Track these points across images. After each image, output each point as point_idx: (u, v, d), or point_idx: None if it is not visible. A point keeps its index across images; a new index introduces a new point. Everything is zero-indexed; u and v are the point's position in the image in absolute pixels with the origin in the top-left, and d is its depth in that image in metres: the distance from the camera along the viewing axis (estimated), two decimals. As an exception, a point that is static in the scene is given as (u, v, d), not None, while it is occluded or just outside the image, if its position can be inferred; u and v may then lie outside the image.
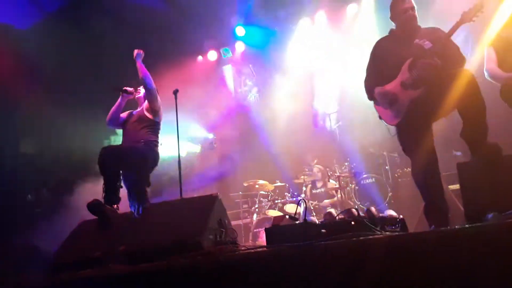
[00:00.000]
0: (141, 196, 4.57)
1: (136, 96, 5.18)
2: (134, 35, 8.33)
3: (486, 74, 4.53)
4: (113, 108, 5.06)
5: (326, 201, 7.63)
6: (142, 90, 5.14)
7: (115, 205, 4.34)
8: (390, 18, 4.04)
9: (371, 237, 2.68)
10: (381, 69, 3.95)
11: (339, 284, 2.40)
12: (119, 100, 5.07)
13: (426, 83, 3.60)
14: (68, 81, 7.59)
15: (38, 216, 6.90)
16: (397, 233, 3.13)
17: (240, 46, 10.30)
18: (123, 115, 5.12)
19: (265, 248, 3.22)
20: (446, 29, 3.67)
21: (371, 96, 4.03)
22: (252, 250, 3.35)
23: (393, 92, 3.76)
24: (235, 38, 10.14)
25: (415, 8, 3.87)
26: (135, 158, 4.63)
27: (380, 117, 4.00)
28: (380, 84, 3.88)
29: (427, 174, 3.65)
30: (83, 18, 8.05)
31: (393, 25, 4.06)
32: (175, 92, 5.07)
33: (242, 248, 3.45)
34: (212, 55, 10.46)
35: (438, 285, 2.18)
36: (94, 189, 5.34)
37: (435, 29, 3.83)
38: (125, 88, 5.07)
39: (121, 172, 4.50)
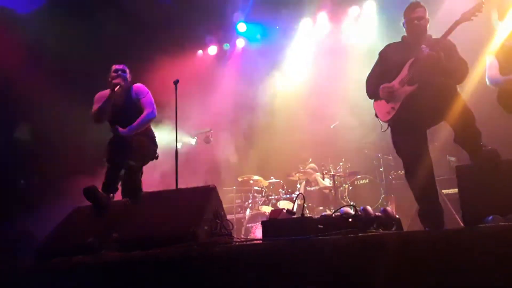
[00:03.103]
0: (137, 185, 4.64)
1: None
2: (135, 24, 8.30)
3: (487, 81, 4.60)
4: (100, 107, 4.74)
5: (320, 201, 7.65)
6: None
7: (111, 194, 4.35)
8: (402, 24, 4.10)
9: (368, 234, 2.69)
10: (384, 68, 4.06)
11: (334, 279, 2.41)
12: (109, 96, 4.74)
13: (422, 81, 3.67)
14: (66, 68, 7.53)
15: (31, 202, 6.85)
16: (393, 231, 3.14)
17: (241, 43, 10.28)
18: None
19: (261, 241, 3.22)
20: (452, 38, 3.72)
21: (370, 92, 4.13)
22: (248, 242, 3.35)
23: (393, 88, 3.85)
24: (237, 34, 10.12)
25: (426, 18, 3.93)
26: (142, 151, 4.69)
27: (376, 115, 4.08)
28: (380, 83, 3.96)
29: (421, 179, 3.67)
30: (85, 6, 7.99)
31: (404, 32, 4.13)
32: (176, 82, 5.04)
33: (238, 240, 3.45)
34: (212, 49, 10.44)
35: (434, 282, 2.19)
36: (89, 176, 5.32)
37: (443, 39, 3.85)
38: (116, 82, 4.74)
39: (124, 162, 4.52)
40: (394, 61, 3.94)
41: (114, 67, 4.93)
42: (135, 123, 4.69)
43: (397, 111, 3.81)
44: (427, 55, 3.63)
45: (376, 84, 4.01)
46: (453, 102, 3.47)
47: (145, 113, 4.77)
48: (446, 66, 3.61)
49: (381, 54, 4.18)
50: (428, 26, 3.96)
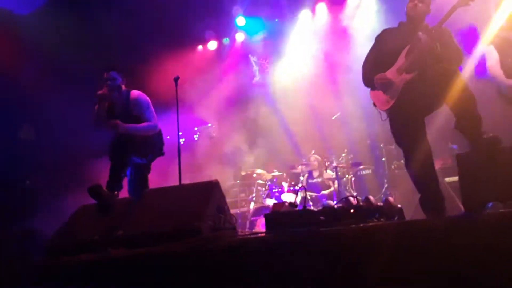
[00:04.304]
0: (143, 183, 4.65)
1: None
2: (134, 21, 8.31)
3: (488, 72, 4.60)
4: (95, 115, 4.66)
5: (323, 192, 7.68)
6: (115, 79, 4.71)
7: (116, 192, 4.38)
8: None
9: (371, 224, 2.71)
10: (380, 54, 4.01)
11: (338, 270, 2.43)
12: (98, 106, 4.63)
13: (420, 68, 3.65)
14: (68, 67, 7.55)
15: (37, 202, 6.91)
16: (395, 221, 3.17)
17: (240, 37, 10.27)
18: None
19: (264, 234, 3.25)
20: (449, 25, 3.71)
21: (366, 80, 4.10)
22: (251, 236, 3.38)
23: (389, 78, 3.82)
24: (236, 28, 10.11)
25: (426, 1, 3.87)
26: (147, 148, 4.65)
27: (374, 104, 4.06)
28: (376, 70, 3.93)
29: (421, 167, 3.68)
30: (83, 5, 8.00)
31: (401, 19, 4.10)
32: (176, 79, 5.03)
33: (241, 234, 3.48)
34: (212, 44, 10.44)
35: (438, 271, 2.21)
36: (93, 175, 5.35)
37: (439, 26, 3.83)
38: (100, 94, 4.56)
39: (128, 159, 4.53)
40: (390, 47, 3.90)
41: (104, 74, 4.70)
42: (139, 126, 4.58)
43: (396, 100, 3.78)
44: (423, 42, 3.62)
45: (371, 71, 3.98)
46: (452, 87, 3.42)
47: (149, 123, 4.65)
48: (442, 54, 3.61)
49: (377, 39, 4.13)
50: (426, 15, 3.94)
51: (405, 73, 3.73)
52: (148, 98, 4.80)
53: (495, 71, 4.61)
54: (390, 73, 3.85)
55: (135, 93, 4.77)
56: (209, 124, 9.46)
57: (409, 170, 3.82)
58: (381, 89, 3.90)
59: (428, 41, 3.61)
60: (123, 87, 4.79)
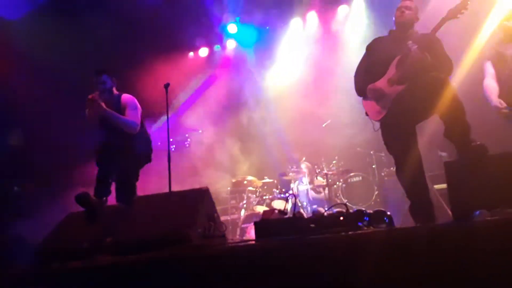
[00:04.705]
0: (131, 190, 4.58)
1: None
2: (125, 28, 8.30)
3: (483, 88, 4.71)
4: (89, 120, 4.71)
5: (314, 197, 7.69)
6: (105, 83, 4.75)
7: (104, 198, 4.36)
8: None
9: (360, 231, 2.72)
10: (371, 64, 4.06)
11: (328, 278, 2.43)
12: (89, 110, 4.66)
13: (410, 79, 3.68)
14: (58, 73, 7.51)
15: (25, 209, 6.84)
16: (386, 228, 3.18)
17: (231, 44, 10.30)
18: None
19: (254, 242, 3.25)
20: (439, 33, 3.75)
21: (358, 89, 4.14)
22: (241, 244, 3.37)
23: (381, 88, 3.86)
24: (227, 35, 10.13)
25: (413, 8, 3.95)
26: (133, 154, 4.61)
27: (366, 114, 4.08)
28: (367, 79, 3.97)
29: (411, 174, 3.72)
30: (74, 10, 7.98)
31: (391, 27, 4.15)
32: (166, 86, 5.02)
33: (231, 242, 3.47)
34: (203, 51, 10.44)
35: (426, 278, 2.22)
36: (83, 181, 5.31)
37: (430, 35, 3.86)
38: (90, 98, 4.53)
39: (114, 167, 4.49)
40: (381, 57, 3.94)
41: (94, 78, 4.74)
42: (120, 116, 4.60)
43: (388, 110, 3.81)
44: (413, 53, 3.66)
45: (363, 80, 4.03)
46: (442, 96, 3.46)
47: (131, 119, 4.66)
48: (432, 63, 3.64)
49: (368, 48, 4.18)
50: (415, 23, 3.98)
51: (396, 85, 3.75)
52: (137, 102, 4.83)
53: (488, 89, 4.71)
54: (381, 83, 3.88)
55: (125, 96, 4.82)
56: (200, 131, 9.44)
57: (400, 178, 3.85)
58: (373, 99, 3.93)
59: (417, 52, 3.64)
60: (114, 90, 4.83)
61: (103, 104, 4.51)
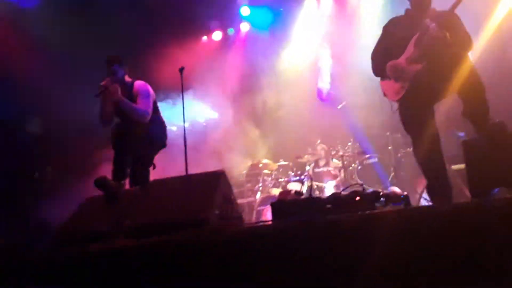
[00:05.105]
0: (144, 177, 4.61)
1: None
2: (139, 13, 8.30)
3: None
4: (101, 111, 4.76)
5: (330, 181, 7.69)
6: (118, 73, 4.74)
7: (122, 182, 4.41)
8: None
9: (377, 211, 2.71)
10: (389, 44, 3.99)
11: (345, 258, 2.44)
12: (102, 99, 4.70)
13: (430, 57, 3.62)
14: (73, 60, 7.57)
15: (47, 194, 6.97)
16: (401, 208, 3.16)
17: (245, 27, 10.23)
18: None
19: (270, 223, 3.27)
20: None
21: (377, 70, 4.07)
22: (258, 225, 3.39)
23: (402, 66, 3.80)
24: (241, 18, 10.06)
25: None
26: (148, 139, 4.63)
27: (384, 94, 4.03)
28: (385, 60, 3.91)
29: (429, 153, 3.68)
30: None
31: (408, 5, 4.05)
32: (181, 69, 5.03)
33: (248, 224, 3.49)
34: (217, 35, 10.40)
35: (444, 257, 2.21)
36: (102, 167, 5.39)
37: (448, 12, 3.75)
38: (102, 85, 4.54)
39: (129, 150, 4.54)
40: (399, 37, 3.87)
41: (107, 68, 4.75)
42: (133, 105, 4.61)
43: (407, 90, 3.76)
44: (431, 31, 3.58)
45: (382, 62, 3.96)
46: (462, 73, 3.41)
47: (142, 108, 4.66)
48: (450, 41, 3.58)
49: (385, 29, 4.10)
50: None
51: (415, 63, 3.70)
52: (150, 88, 4.81)
53: None
54: (401, 62, 3.82)
55: (138, 83, 4.82)
56: (216, 115, 9.47)
57: (417, 157, 3.81)
58: (393, 77, 3.87)
59: (436, 29, 3.57)
60: (126, 78, 4.83)
61: (118, 89, 4.53)
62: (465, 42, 3.67)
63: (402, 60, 3.81)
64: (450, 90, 3.56)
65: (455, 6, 3.57)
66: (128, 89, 4.75)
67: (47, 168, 7.81)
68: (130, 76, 4.89)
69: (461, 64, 3.43)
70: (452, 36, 3.59)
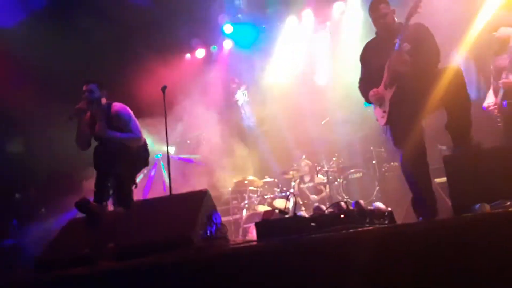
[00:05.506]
0: (127, 196, 4.55)
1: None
2: (121, 32, 8.31)
3: None
4: (77, 134, 4.68)
5: (315, 197, 7.70)
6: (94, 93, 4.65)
7: (104, 203, 4.36)
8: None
9: (360, 229, 2.72)
10: (367, 73, 4.14)
11: (330, 277, 2.43)
12: (78, 121, 4.63)
13: (397, 80, 3.72)
14: (55, 79, 7.53)
15: (27, 215, 6.85)
16: (386, 225, 3.17)
17: (228, 44, 10.28)
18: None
19: (255, 243, 3.25)
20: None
21: (365, 98, 4.17)
22: (243, 245, 3.37)
23: (380, 93, 3.91)
24: (223, 35, 10.12)
25: (391, 11, 3.91)
26: (130, 158, 4.59)
27: (377, 120, 4.13)
28: (369, 88, 4.01)
29: (415, 166, 3.72)
30: (69, 16, 7.98)
31: None
32: (163, 88, 5.02)
33: (233, 243, 3.47)
34: (200, 52, 10.43)
35: (428, 275, 2.22)
36: (84, 187, 5.32)
37: (415, 25, 3.80)
38: (77, 107, 4.51)
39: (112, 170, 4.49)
40: (375, 65, 3.98)
41: (83, 87, 4.67)
42: (119, 134, 4.55)
43: (388, 113, 3.85)
44: (392, 58, 3.67)
45: (366, 91, 4.07)
46: (450, 86, 3.44)
47: (132, 134, 4.62)
48: (416, 58, 3.62)
49: (362, 57, 4.21)
50: (395, 16, 3.93)
51: (390, 88, 3.80)
52: (129, 110, 4.73)
53: None
54: (381, 88, 3.93)
55: (116, 105, 4.71)
56: (199, 132, 9.45)
57: (404, 170, 3.85)
58: (376, 104, 3.99)
59: (397, 52, 3.65)
60: (103, 100, 4.72)
61: (103, 128, 4.49)
62: (430, 57, 3.70)
63: (381, 86, 3.91)
64: (434, 104, 3.60)
65: (408, 18, 3.62)
66: (106, 111, 4.66)
67: (30, 189, 7.69)
68: (108, 99, 4.78)
69: (432, 81, 3.49)
70: (416, 52, 3.63)
